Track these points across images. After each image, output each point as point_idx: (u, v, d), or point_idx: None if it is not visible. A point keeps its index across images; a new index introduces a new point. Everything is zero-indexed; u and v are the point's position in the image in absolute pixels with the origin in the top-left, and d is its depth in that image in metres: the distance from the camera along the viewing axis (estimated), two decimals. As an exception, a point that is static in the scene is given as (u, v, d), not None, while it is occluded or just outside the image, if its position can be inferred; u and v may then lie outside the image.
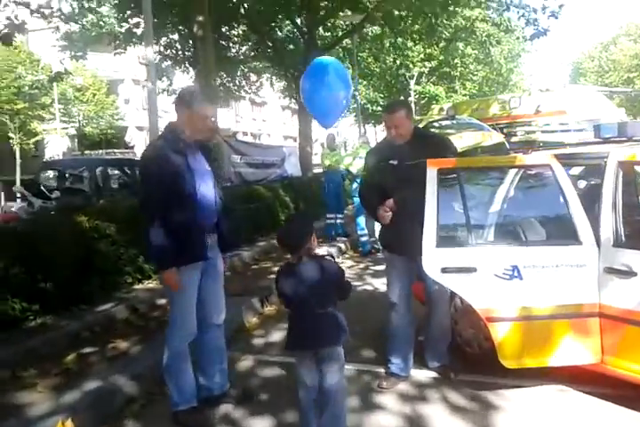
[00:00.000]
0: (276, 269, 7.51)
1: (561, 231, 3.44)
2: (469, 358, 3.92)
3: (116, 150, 26.24)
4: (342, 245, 9.50)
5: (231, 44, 19.52)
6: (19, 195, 12.37)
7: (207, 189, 3.42)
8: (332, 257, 3.11)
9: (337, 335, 2.97)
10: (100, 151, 25.57)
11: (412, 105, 29.31)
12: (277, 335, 5.06)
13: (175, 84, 20.22)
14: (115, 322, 5.12)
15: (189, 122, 3.39)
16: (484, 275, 3.19)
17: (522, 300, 3.19)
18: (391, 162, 3.71)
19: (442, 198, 3.32)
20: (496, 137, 8.81)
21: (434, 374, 3.93)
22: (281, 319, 5.57)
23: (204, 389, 3.59)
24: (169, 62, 19.29)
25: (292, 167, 14.19)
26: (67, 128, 31.44)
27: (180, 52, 18.82)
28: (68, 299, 5.16)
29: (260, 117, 45.68)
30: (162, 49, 18.68)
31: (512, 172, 3.93)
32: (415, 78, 29.40)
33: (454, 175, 3.45)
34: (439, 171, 3.36)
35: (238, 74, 21.34)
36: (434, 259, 3.23)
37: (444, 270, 3.19)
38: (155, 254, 3.33)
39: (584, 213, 3.26)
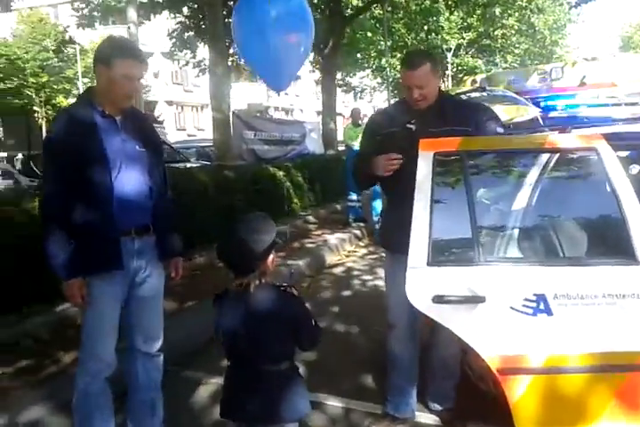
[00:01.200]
0: (277, 260, 6.80)
1: (609, 245, 2.45)
2: (482, 399, 2.99)
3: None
4: (358, 232, 8.68)
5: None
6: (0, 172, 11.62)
7: (131, 179, 2.61)
8: (293, 287, 2.15)
9: (289, 408, 2.05)
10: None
11: (449, 78, 27.97)
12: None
13: (199, 56, 19.37)
14: (71, 326, 4.31)
15: (109, 85, 2.57)
16: (495, 308, 2.21)
17: (550, 345, 2.21)
18: (408, 126, 2.82)
19: (439, 194, 2.36)
20: (533, 112, 7.72)
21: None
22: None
23: None
24: (191, 33, 18.43)
25: (314, 144, 13.25)
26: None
27: (202, 23, 17.93)
28: (17, 298, 4.32)
29: (293, 92, 44.55)
30: (184, 19, 17.87)
31: (542, 157, 2.84)
32: (453, 51, 27.93)
33: (458, 162, 2.48)
34: (437, 155, 2.40)
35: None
36: (423, 282, 2.26)
37: (438, 300, 2.23)
38: (52, 260, 2.53)
39: (645, 217, 2.27)
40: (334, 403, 3.33)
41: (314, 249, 7.40)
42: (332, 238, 8.02)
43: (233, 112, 10.70)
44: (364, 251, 7.75)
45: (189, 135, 32.05)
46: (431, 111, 2.85)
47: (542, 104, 8.42)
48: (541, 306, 2.20)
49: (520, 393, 2.22)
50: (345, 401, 3.35)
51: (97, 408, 2.63)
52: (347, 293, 5.74)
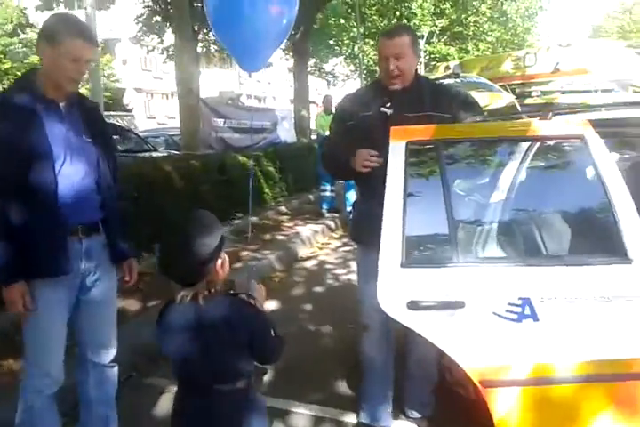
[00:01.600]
0: (245, 254, 6.55)
1: (598, 242, 2.25)
2: (462, 405, 2.80)
3: (112, 113, 25.08)
4: (332, 223, 8.46)
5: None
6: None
7: (77, 172, 2.34)
8: (251, 296, 1.90)
9: None
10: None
11: (422, 66, 27.82)
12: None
13: (167, 41, 18.86)
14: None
15: (53, 67, 2.29)
16: (476, 313, 2.01)
17: (537, 353, 2.01)
18: (383, 110, 2.60)
19: (412, 187, 2.14)
20: (506, 98, 7.54)
21: (417, 427, 2.89)
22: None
23: None
24: (158, 18, 17.92)
25: (286, 133, 12.97)
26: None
27: (169, 7, 17.44)
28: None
29: (266, 79, 43.99)
30: (152, 4, 17.39)
31: (522, 146, 2.63)
32: (426, 38, 27.73)
33: (432, 152, 2.25)
34: (409, 144, 2.17)
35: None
36: (396, 286, 2.03)
37: (413, 306, 2.01)
38: None
39: (636, 212, 2.08)
40: (304, 411, 3.12)
41: (285, 241, 7.18)
42: (305, 230, 7.79)
43: (201, 99, 10.38)
44: (338, 243, 7.52)
45: (160, 124, 31.44)
46: (408, 94, 2.64)
47: (517, 91, 8.27)
48: (527, 311, 1.99)
49: (506, 407, 2.01)
50: (316, 409, 3.14)
51: (42, 425, 2.39)
52: (319, 288, 5.53)
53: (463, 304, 2.01)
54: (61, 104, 2.37)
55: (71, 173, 2.32)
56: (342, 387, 3.41)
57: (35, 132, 2.24)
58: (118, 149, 11.68)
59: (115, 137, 12.41)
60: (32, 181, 2.23)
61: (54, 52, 2.26)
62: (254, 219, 8.31)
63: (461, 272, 2.06)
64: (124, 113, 27.06)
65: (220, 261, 1.78)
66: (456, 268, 2.06)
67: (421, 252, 2.18)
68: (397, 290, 2.03)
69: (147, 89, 36.38)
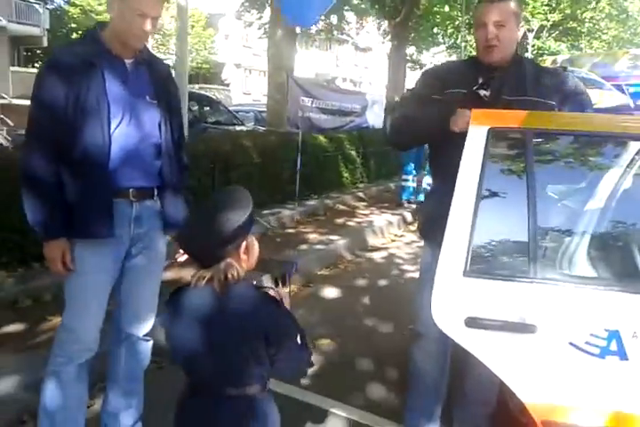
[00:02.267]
0: (314, 237, 6.34)
1: None
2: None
3: (210, 86, 25.60)
4: (409, 215, 8.09)
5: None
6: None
7: (135, 133, 2.21)
8: (273, 289, 1.66)
9: None
10: (196, 86, 24.87)
11: (528, 61, 26.57)
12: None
13: (265, 18, 18.88)
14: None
15: (119, 21, 2.17)
16: (549, 342, 1.66)
17: (618, 398, 1.65)
18: (477, 90, 2.25)
19: (490, 182, 1.80)
20: (618, 98, 6.88)
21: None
22: (304, 304, 4.32)
23: None
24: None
25: (375, 117, 12.59)
26: (164, 60, 31.07)
27: (274, -18, 17.47)
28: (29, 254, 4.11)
29: (363, 64, 43.56)
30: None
31: (633, 147, 2.08)
32: (535, 32, 26.38)
33: (520, 143, 1.90)
34: (492, 131, 1.82)
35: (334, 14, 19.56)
36: (454, 297, 1.72)
37: (472, 323, 1.69)
38: (31, 217, 2.16)
39: None
40: (343, 413, 2.88)
41: (357, 229, 6.93)
42: (379, 219, 7.50)
43: (291, 77, 10.20)
44: (412, 237, 7.09)
45: (254, 100, 31.79)
46: (508, 74, 2.28)
47: (631, 91, 7.53)
48: (613, 346, 1.63)
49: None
50: (356, 413, 2.89)
51: (67, 396, 2.26)
52: (384, 282, 5.23)
53: (534, 329, 1.66)
54: (127, 61, 2.25)
55: (127, 135, 2.20)
56: (390, 393, 3.12)
57: (93, 87, 2.13)
58: (208, 120, 11.84)
59: (206, 108, 12.59)
60: (84, 139, 2.12)
61: (122, 5, 2.15)
62: (328, 202, 8.11)
63: (537, 290, 1.70)
64: (221, 87, 27.57)
65: (244, 244, 1.53)
66: (532, 284, 1.70)
67: (491, 260, 1.82)
68: (455, 302, 1.71)
69: (245, 65, 36.84)
